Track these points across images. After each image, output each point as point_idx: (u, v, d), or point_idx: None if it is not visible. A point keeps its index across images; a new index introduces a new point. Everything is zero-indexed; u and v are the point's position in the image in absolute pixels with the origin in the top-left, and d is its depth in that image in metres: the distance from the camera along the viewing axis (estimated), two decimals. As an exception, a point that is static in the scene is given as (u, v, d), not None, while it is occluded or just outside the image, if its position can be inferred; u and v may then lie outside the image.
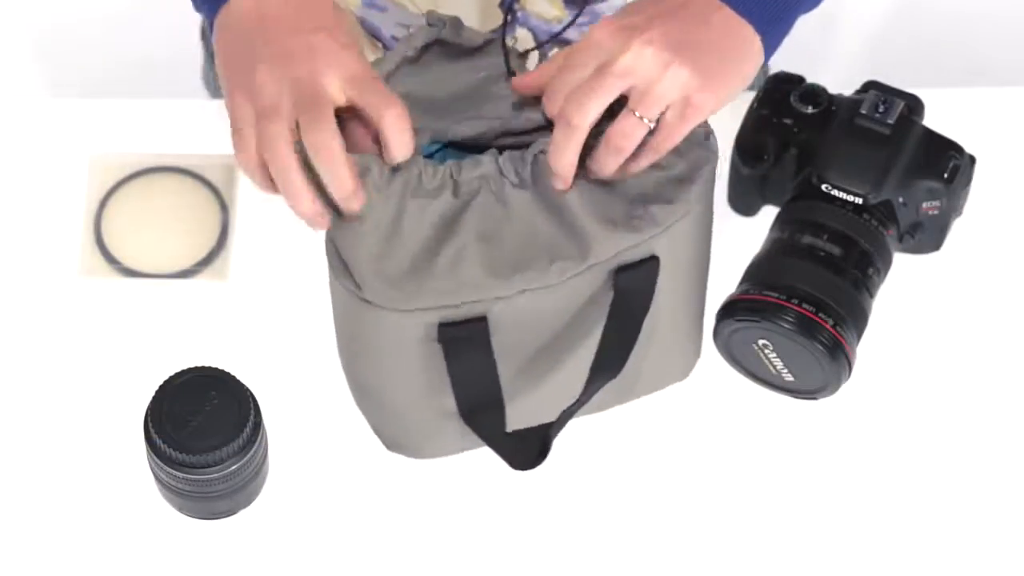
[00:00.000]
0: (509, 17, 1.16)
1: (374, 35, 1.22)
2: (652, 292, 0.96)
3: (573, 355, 0.98)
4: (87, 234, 1.12)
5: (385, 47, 1.22)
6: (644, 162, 0.91)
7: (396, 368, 0.96)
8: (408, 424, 1.01)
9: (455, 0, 1.15)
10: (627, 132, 0.88)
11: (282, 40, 0.89)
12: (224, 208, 1.13)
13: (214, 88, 1.38)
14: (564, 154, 0.89)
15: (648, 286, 0.95)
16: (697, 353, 1.06)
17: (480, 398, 0.96)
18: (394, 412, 1.00)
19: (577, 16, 1.05)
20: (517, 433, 0.99)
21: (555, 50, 1.20)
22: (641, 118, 0.88)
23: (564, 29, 1.07)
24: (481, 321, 0.92)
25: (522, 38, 1.19)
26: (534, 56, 1.20)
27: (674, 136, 0.89)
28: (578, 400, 0.98)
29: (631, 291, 0.95)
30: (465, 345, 0.93)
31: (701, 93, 0.88)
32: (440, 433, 1.01)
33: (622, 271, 0.94)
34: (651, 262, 0.94)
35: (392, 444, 1.03)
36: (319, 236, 0.94)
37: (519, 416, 1.00)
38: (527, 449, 0.98)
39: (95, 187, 1.14)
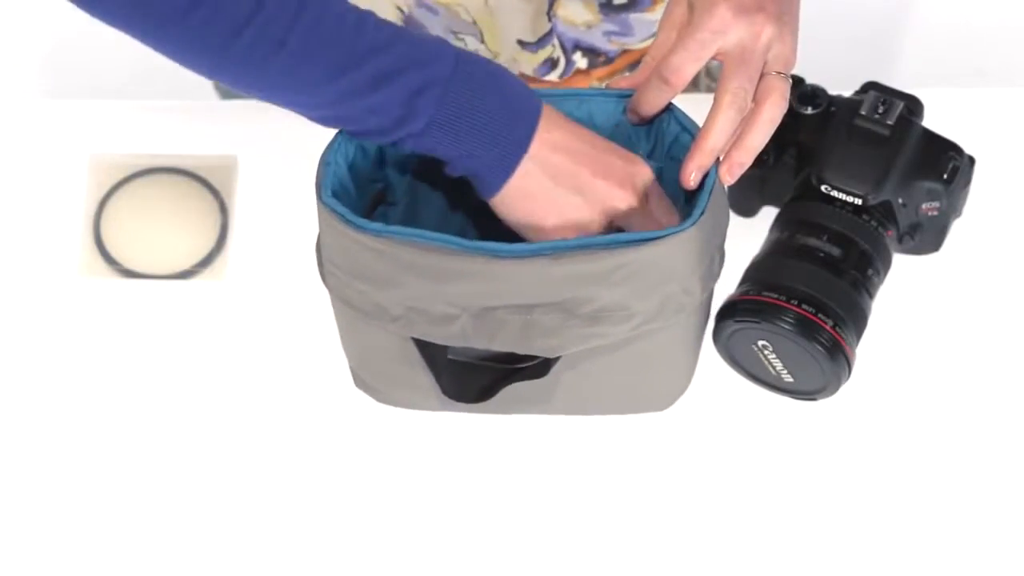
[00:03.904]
0: (551, 25, 1.16)
1: None
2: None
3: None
4: (86, 234, 1.12)
5: None
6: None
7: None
8: (371, 360, 1.01)
9: (508, 9, 1.14)
10: (783, 89, 0.91)
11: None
12: (223, 210, 1.13)
13: (224, 91, 1.38)
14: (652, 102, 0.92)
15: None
16: (677, 389, 1.05)
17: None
18: (358, 342, 1.01)
19: None
20: (457, 363, 0.98)
21: (577, 53, 1.20)
22: (779, 73, 0.91)
23: None
24: None
25: (556, 45, 1.19)
26: (561, 65, 1.20)
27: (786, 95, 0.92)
28: (509, 372, 0.96)
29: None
30: None
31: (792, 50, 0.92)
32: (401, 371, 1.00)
33: None
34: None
35: (357, 380, 1.05)
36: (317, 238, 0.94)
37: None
38: (467, 382, 0.98)
39: (95, 187, 1.14)
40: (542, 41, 1.17)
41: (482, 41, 1.18)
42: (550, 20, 1.16)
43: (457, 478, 1.03)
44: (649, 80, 0.92)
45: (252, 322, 1.09)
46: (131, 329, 1.09)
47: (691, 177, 0.91)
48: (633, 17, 1.17)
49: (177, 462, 1.04)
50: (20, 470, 1.04)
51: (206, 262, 1.11)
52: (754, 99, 0.91)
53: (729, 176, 0.91)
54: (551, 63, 1.20)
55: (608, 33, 1.18)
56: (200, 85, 1.41)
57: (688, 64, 0.90)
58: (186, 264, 1.11)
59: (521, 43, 1.17)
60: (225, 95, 1.39)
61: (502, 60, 1.19)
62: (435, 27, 1.18)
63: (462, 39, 1.18)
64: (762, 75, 0.91)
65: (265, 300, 1.10)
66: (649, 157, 0.96)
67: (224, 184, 1.13)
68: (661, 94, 0.92)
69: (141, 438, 1.05)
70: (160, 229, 1.13)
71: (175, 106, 1.18)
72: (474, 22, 1.16)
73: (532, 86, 1.23)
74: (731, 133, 0.90)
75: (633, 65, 1.24)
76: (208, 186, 1.13)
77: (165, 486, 1.03)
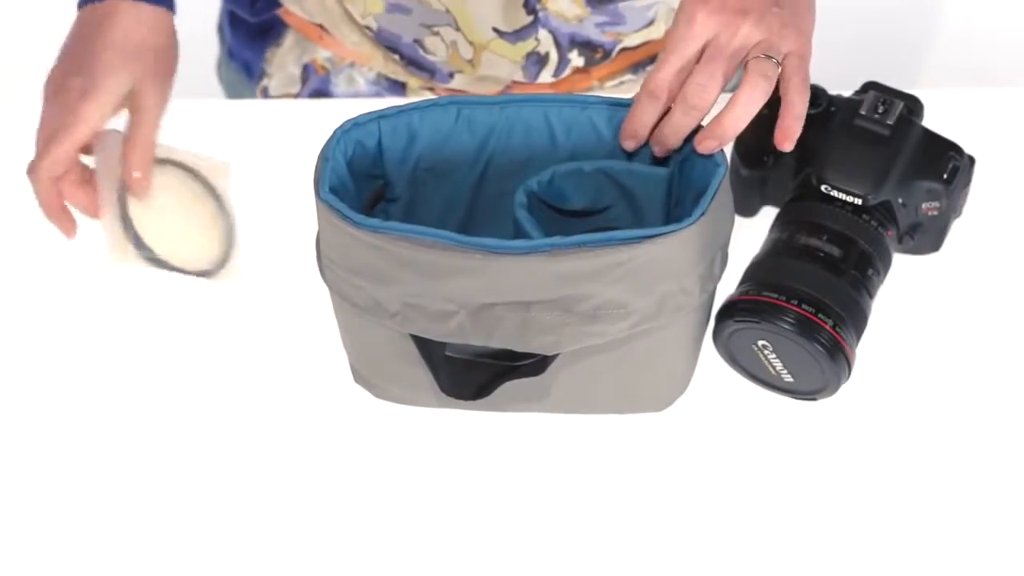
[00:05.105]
0: (532, 18, 1.16)
1: (391, 48, 1.21)
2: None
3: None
4: (113, 218, 1.09)
5: (403, 58, 1.21)
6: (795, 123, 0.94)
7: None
8: (370, 356, 1.01)
9: (479, 1, 1.15)
10: (764, 71, 0.91)
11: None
12: (224, 213, 1.12)
13: (228, 83, 1.38)
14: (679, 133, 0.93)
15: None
16: (675, 390, 1.05)
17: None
18: (356, 338, 1.01)
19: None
20: (454, 359, 0.99)
21: (574, 51, 1.20)
22: (770, 57, 0.91)
23: None
24: None
25: (544, 40, 1.18)
26: (552, 61, 1.20)
27: (803, 86, 0.93)
28: (507, 369, 0.97)
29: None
30: None
31: (800, 41, 0.93)
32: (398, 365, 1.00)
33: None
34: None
35: (356, 376, 1.05)
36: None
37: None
38: (464, 379, 0.99)
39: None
40: (522, 32, 1.17)
41: (458, 29, 1.18)
42: (530, 13, 1.16)
43: (453, 474, 1.03)
44: (639, 99, 0.93)
45: (253, 316, 1.09)
46: (129, 327, 1.09)
47: (626, 143, 0.95)
48: (622, 6, 1.17)
49: (176, 455, 1.04)
50: (15, 465, 1.04)
51: (221, 263, 1.10)
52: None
53: (699, 146, 0.92)
54: (537, 58, 1.20)
55: (600, 24, 1.18)
56: (205, 85, 1.42)
57: (675, 77, 0.92)
58: (196, 265, 1.10)
59: (498, 31, 1.17)
60: (231, 94, 1.39)
61: (482, 50, 1.19)
62: (408, 28, 1.19)
63: (437, 31, 1.18)
64: (747, 62, 0.92)
65: (266, 295, 1.10)
66: (653, 163, 0.97)
67: (227, 189, 1.13)
68: (653, 110, 0.93)
69: (139, 433, 1.05)
70: (172, 227, 1.12)
71: (181, 106, 1.18)
72: (447, 10, 1.16)
73: (530, 91, 1.23)
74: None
75: (634, 66, 1.24)
76: (212, 193, 1.13)
77: (164, 480, 1.03)
